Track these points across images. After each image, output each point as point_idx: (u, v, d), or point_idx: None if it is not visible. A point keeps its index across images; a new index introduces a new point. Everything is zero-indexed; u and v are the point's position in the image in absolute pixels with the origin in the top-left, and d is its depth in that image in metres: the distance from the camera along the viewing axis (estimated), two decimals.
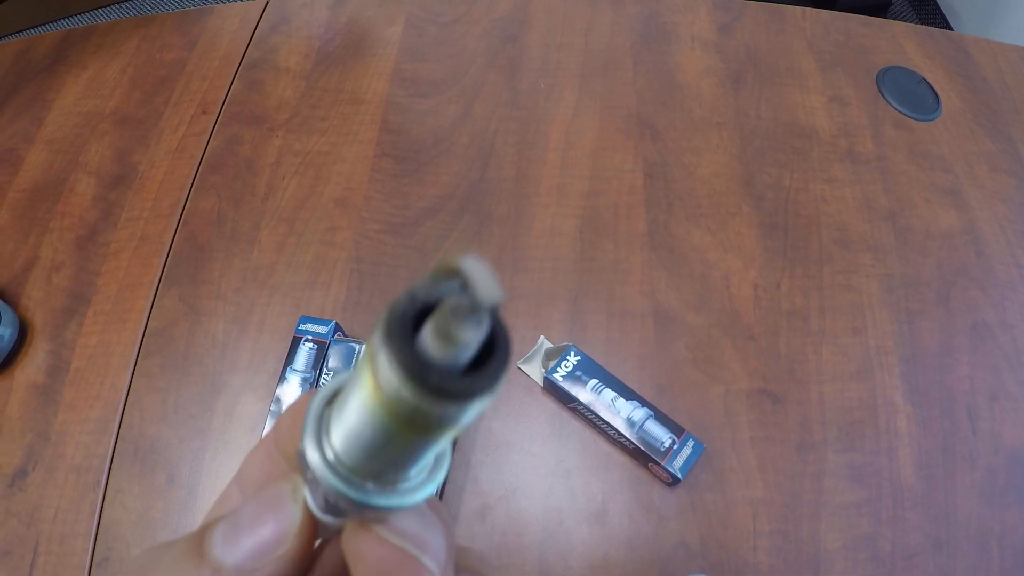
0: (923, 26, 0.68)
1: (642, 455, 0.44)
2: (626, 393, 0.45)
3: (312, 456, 0.11)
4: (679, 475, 0.43)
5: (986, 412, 0.51)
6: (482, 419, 0.46)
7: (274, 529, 0.13)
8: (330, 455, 0.11)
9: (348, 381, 0.11)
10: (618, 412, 0.44)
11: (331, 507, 0.12)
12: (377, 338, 0.09)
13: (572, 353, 0.46)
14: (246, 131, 0.57)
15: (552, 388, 0.46)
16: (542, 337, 0.48)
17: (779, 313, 0.51)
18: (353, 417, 0.10)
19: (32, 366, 0.51)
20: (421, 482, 0.12)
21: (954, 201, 0.58)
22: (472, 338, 0.08)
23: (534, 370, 0.47)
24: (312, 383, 0.45)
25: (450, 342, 0.08)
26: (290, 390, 0.45)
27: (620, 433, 0.44)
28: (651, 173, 0.55)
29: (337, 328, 0.47)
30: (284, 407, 0.45)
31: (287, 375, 0.46)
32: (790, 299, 0.51)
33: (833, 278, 0.53)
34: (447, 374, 0.08)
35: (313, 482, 0.12)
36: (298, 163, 0.55)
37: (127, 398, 0.49)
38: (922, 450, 0.49)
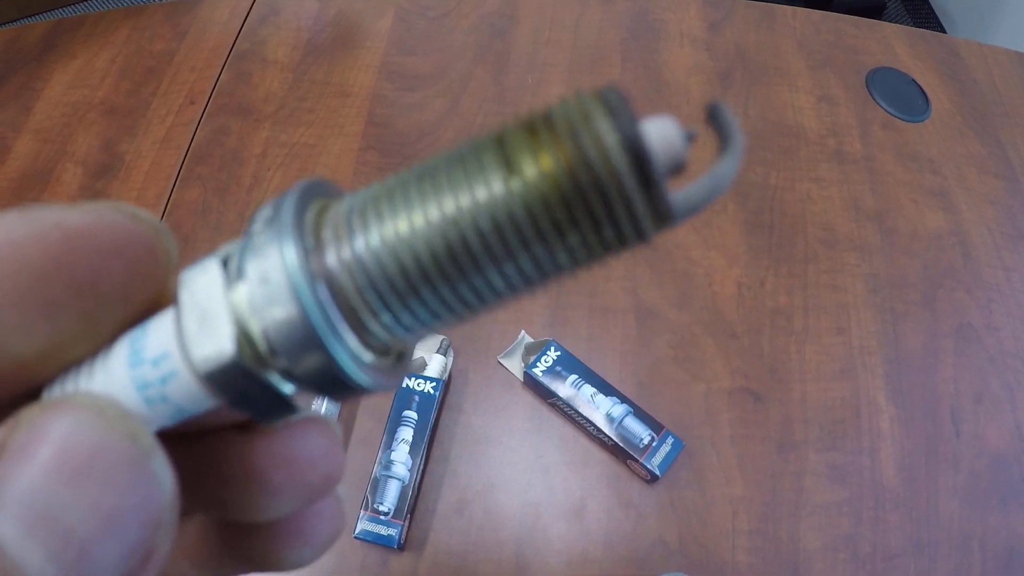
0: (914, 28, 0.68)
1: (621, 451, 0.44)
2: (606, 389, 0.44)
3: (289, 260, 0.07)
4: (658, 472, 0.43)
5: (970, 415, 0.50)
6: (460, 413, 0.46)
7: (140, 512, 0.07)
8: (331, 262, 0.07)
9: (412, 176, 0.08)
10: (597, 408, 0.44)
11: (222, 374, 0.08)
12: (587, 102, 0.07)
13: (552, 348, 0.45)
14: (233, 122, 0.56)
15: (532, 383, 0.45)
16: (523, 332, 0.47)
17: (763, 312, 0.50)
18: (444, 210, 0.07)
19: None
20: (385, 367, 0.08)
21: (942, 203, 0.57)
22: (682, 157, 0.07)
23: (514, 365, 0.47)
24: None
25: (679, 155, 0.07)
26: None
27: (599, 429, 0.44)
28: None
29: None
30: None
31: None
32: (774, 298, 0.51)
33: (818, 277, 0.52)
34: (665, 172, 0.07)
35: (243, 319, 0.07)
36: (284, 155, 0.55)
37: None
38: (904, 451, 0.48)
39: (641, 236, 0.07)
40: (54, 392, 0.08)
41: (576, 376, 0.44)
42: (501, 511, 0.44)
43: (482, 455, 0.45)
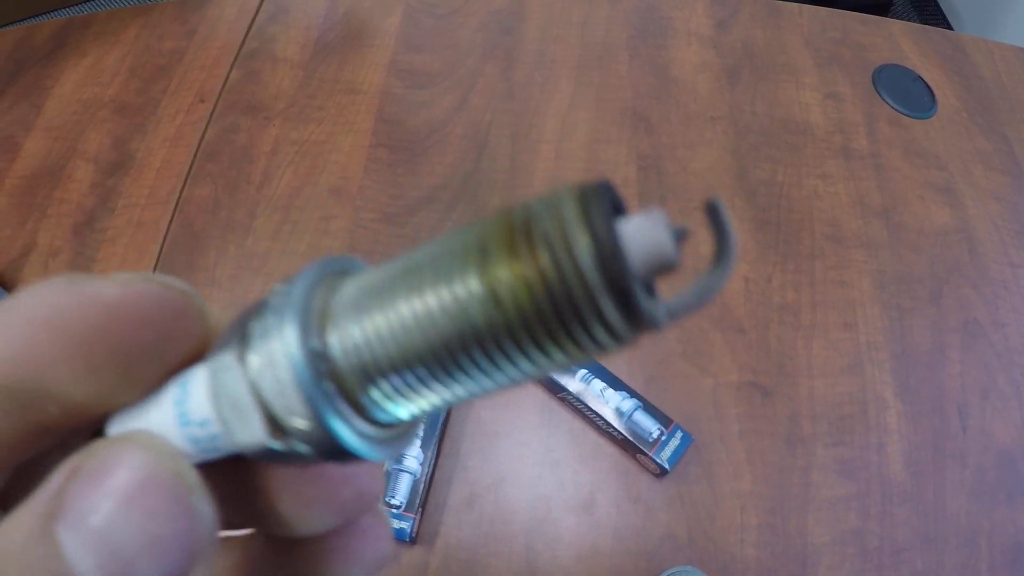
0: (920, 25, 0.68)
1: (630, 446, 0.44)
2: (615, 383, 0.45)
3: (292, 349, 0.08)
4: (667, 466, 0.43)
5: (977, 410, 0.50)
6: (471, 407, 0.46)
7: (180, 540, 0.08)
8: (335, 346, 0.08)
9: (407, 266, 0.08)
10: (607, 402, 0.44)
11: (254, 453, 0.09)
12: (563, 201, 0.06)
13: None
14: (243, 120, 0.57)
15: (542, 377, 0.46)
16: None
17: (770, 307, 0.50)
18: (428, 307, 0.07)
19: None
20: (385, 439, 0.09)
21: (948, 199, 0.57)
22: (675, 262, 0.06)
23: None
24: None
25: (664, 257, 0.06)
26: None
27: (609, 423, 0.44)
28: (644, 166, 0.55)
29: None
30: None
31: None
32: (781, 293, 0.51)
33: (825, 273, 0.52)
34: (642, 281, 0.06)
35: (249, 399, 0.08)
36: (294, 152, 0.55)
37: None
38: (912, 446, 0.49)
39: (618, 340, 0.07)
40: (115, 428, 0.10)
41: (586, 370, 0.45)
42: (511, 505, 0.44)
43: (492, 449, 0.45)
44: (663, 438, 0.43)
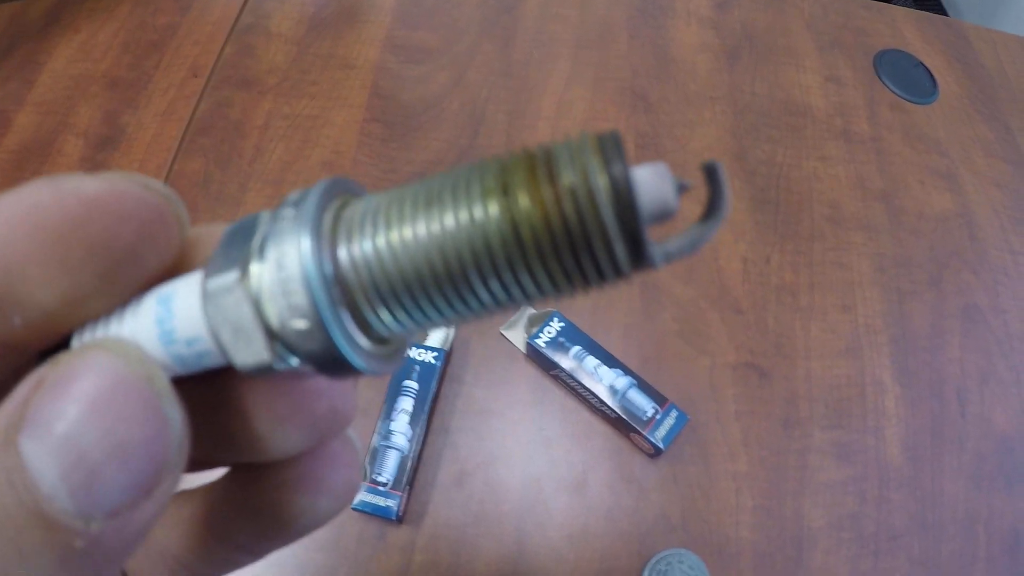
0: (923, 11, 0.67)
1: (624, 424, 0.43)
2: (609, 361, 0.44)
3: (305, 253, 0.08)
4: (661, 446, 0.42)
5: (976, 396, 0.49)
6: (462, 384, 0.45)
7: (149, 446, 0.08)
8: (343, 259, 0.08)
9: (422, 188, 0.08)
10: (600, 380, 0.43)
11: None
12: (584, 145, 0.07)
13: (556, 320, 0.45)
14: (236, 94, 0.56)
15: (534, 354, 0.45)
16: None
17: (768, 288, 0.49)
18: (443, 227, 0.08)
19: None
20: (381, 356, 0.09)
21: (949, 184, 0.56)
22: (674, 206, 0.07)
23: (517, 336, 0.46)
24: None
25: (667, 204, 0.07)
26: None
27: (602, 401, 0.43)
28: (643, 144, 0.54)
29: None
30: None
31: None
32: (779, 274, 0.50)
33: (824, 255, 0.51)
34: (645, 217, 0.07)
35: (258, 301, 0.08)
36: (287, 126, 0.54)
37: None
38: (910, 431, 0.48)
39: (619, 274, 0.08)
40: (84, 338, 0.09)
41: (580, 348, 0.44)
42: (502, 484, 0.43)
43: (483, 427, 0.44)
44: (658, 417, 0.43)
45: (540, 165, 0.07)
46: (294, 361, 0.08)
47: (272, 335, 0.08)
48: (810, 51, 0.61)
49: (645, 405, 0.43)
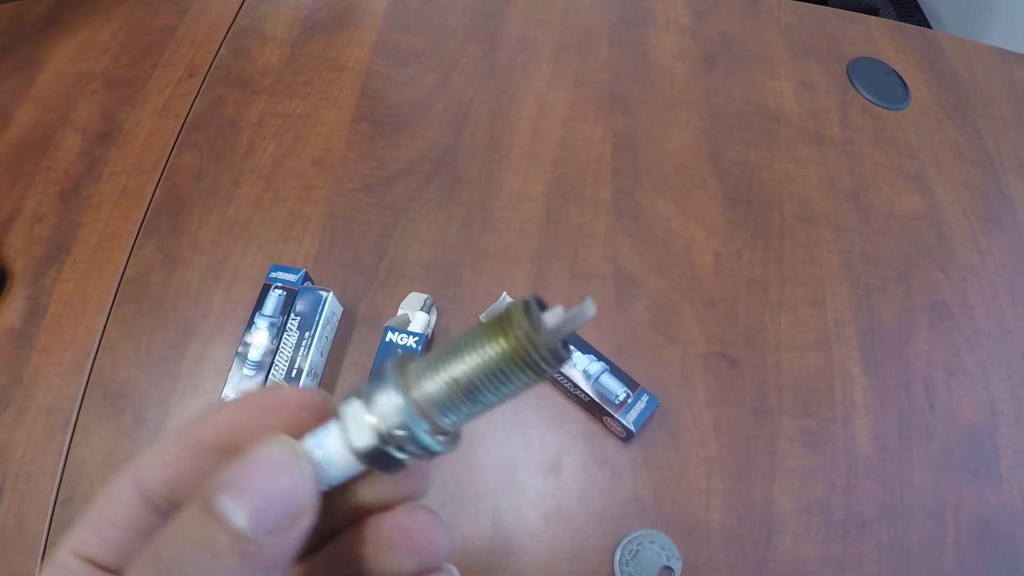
0: (896, 22, 0.73)
1: (597, 408, 0.47)
2: (583, 347, 0.48)
3: (395, 397, 0.15)
4: (633, 428, 0.46)
5: (943, 388, 0.53)
6: None
7: (293, 489, 0.13)
8: (416, 396, 0.15)
9: (447, 350, 0.15)
10: (575, 365, 0.47)
11: (367, 452, 0.15)
12: (525, 312, 0.14)
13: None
14: (230, 93, 0.61)
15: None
16: (504, 293, 0.51)
17: (739, 281, 0.54)
18: (463, 367, 0.14)
19: (11, 311, 0.54)
20: (448, 441, 0.16)
21: (918, 186, 0.61)
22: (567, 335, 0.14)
23: None
24: (280, 328, 0.48)
25: (561, 333, 0.14)
26: (258, 335, 0.48)
27: (576, 385, 0.47)
28: (620, 145, 0.59)
29: (306, 277, 0.50)
30: (251, 351, 0.48)
31: (255, 320, 0.49)
32: (750, 269, 0.54)
33: (794, 251, 0.56)
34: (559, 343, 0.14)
35: (363, 427, 0.15)
36: (279, 124, 0.59)
37: (100, 342, 0.52)
38: (878, 421, 0.52)
39: (556, 363, 0.14)
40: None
41: None
42: (479, 465, 0.47)
43: None
44: (629, 400, 0.47)
45: (503, 326, 0.14)
46: (401, 455, 0.15)
47: (386, 442, 0.15)
48: (784, 58, 0.66)
49: (617, 389, 0.47)
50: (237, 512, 0.13)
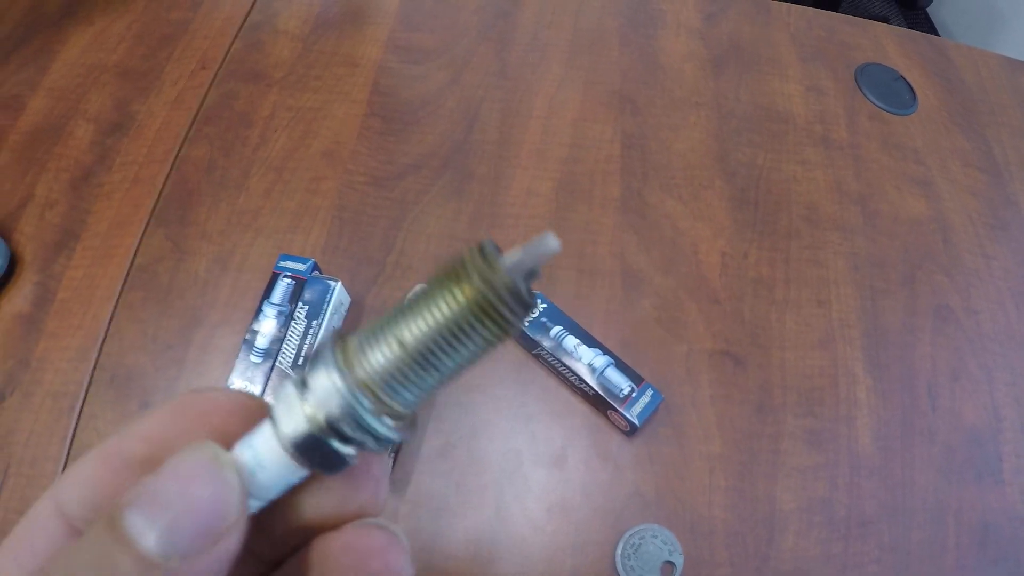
0: (905, 29, 0.74)
1: (602, 401, 0.48)
2: (589, 341, 0.49)
3: (332, 375, 0.13)
4: (636, 422, 0.47)
5: (947, 391, 0.54)
6: None
7: (213, 501, 0.11)
8: (357, 372, 0.13)
9: (393, 314, 0.13)
10: (580, 359, 0.48)
11: (304, 446, 0.13)
12: (479, 254, 0.12)
13: (539, 301, 0.50)
14: (243, 87, 0.62)
15: (518, 334, 0.50)
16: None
17: (745, 281, 0.55)
18: (412, 329, 0.12)
19: (19, 297, 0.55)
20: (401, 427, 0.14)
21: (924, 191, 0.62)
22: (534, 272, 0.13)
23: None
24: (287, 317, 0.49)
25: (521, 269, 0.12)
26: (266, 323, 0.49)
27: (581, 379, 0.48)
28: (629, 144, 0.60)
29: (315, 267, 0.52)
30: (258, 338, 0.49)
31: (263, 309, 0.50)
32: (756, 268, 0.55)
33: (800, 252, 0.57)
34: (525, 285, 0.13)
35: (302, 414, 0.13)
36: (290, 118, 0.60)
37: (108, 328, 0.53)
38: (881, 421, 0.52)
39: (523, 309, 0.13)
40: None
41: (560, 328, 0.49)
42: (484, 456, 0.48)
43: (468, 402, 0.49)
44: (634, 394, 0.47)
45: (458, 269, 0.12)
46: (343, 448, 0.13)
47: (323, 431, 0.13)
48: (793, 62, 0.68)
49: (622, 383, 0.48)
50: (145, 530, 0.11)
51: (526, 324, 0.12)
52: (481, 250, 0.12)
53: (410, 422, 0.14)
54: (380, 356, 0.13)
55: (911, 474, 0.51)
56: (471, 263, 0.12)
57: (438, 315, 0.12)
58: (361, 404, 0.12)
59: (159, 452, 0.13)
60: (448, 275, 0.12)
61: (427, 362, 0.12)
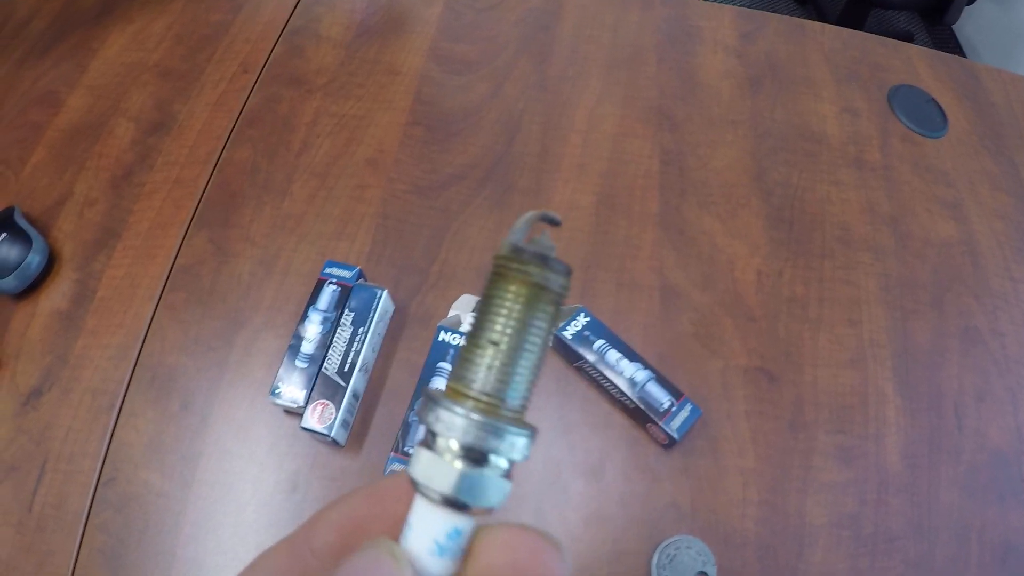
0: (937, 51, 0.78)
1: (641, 415, 0.51)
2: (630, 355, 0.52)
3: (452, 408, 0.14)
4: (676, 436, 0.50)
5: (972, 411, 0.58)
6: None
7: None
8: (470, 394, 0.14)
9: (467, 340, 0.15)
10: (621, 372, 0.51)
11: (462, 487, 0.13)
12: (522, 258, 0.15)
13: (582, 315, 0.53)
14: (285, 91, 0.65)
15: (560, 346, 0.53)
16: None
17: (780, 299, 0.58)
18: (494, 328, 0.14)
19: (57, 293, 0.58)
20: (525, 432, 0.15)
21: (954, 213, 0.66)
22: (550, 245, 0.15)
23: None
24: (333, 323, 0.52)
25: (544, 247, 0.15)
26: (311, 329, 0.52)
27: (622, 392, 0.51)
28: (667, 160, 0.63)
29: (361, 274, 0.55)
30: (304, 344, 0.52)
31: (309, 314, 0.53)
32: (791, 287, 0.59)
33: (833, 272, 0.60)
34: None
35: (442, 453, 0.14)
36: (333, 124, 0.63)
37: (149, 328, 0.56)
38: (909, 440, 0.56)
39: (564, 277, 0.15)
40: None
41: (603, 342, 0.52)
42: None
43: None
44: (673, 409, 0.51)
45: (503, 272, 0.15)
46: (496, 460, 0.14)
47: (467, 457, 0.14)
48: (828, 83, 0.71)
49: (662, 397, 0.51)
50: None
51: (558, 277, 0.15)
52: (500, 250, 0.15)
53: (530, 425, 0.15)
54: (475, 367, 0.14)
55: (936, 492, 0.55)
56: (497, 262, 0.15)
57: (499, 306, 0.14)
58: (487, 413, 0.14)
59: (346, 542, 0.15)
60: (491, 281, 0.15)
61: (517, 348, 0.14)
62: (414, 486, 0.14)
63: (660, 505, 0.51)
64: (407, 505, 0.15)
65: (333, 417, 0.49)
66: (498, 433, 0.14)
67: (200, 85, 0.67)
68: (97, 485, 0.51)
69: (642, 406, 0.50)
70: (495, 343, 0.14)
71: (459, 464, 0.14)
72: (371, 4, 0.71)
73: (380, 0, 0.72)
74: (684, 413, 0.51)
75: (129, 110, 0.66)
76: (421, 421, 0.15)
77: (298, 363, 0.51)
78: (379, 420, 0.52)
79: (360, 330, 0.52)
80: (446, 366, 0.51)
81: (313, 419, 0.49)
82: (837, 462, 0.54)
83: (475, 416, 0.14)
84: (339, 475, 0.50)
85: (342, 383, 0.50)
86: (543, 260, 0.14)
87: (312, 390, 0.50)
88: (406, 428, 0.49)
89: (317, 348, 0.52)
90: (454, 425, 0.14)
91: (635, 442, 0.52)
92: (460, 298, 0.54)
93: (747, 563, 0.50)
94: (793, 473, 0.53)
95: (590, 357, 0.52)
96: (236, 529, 0.49)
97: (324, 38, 0.68)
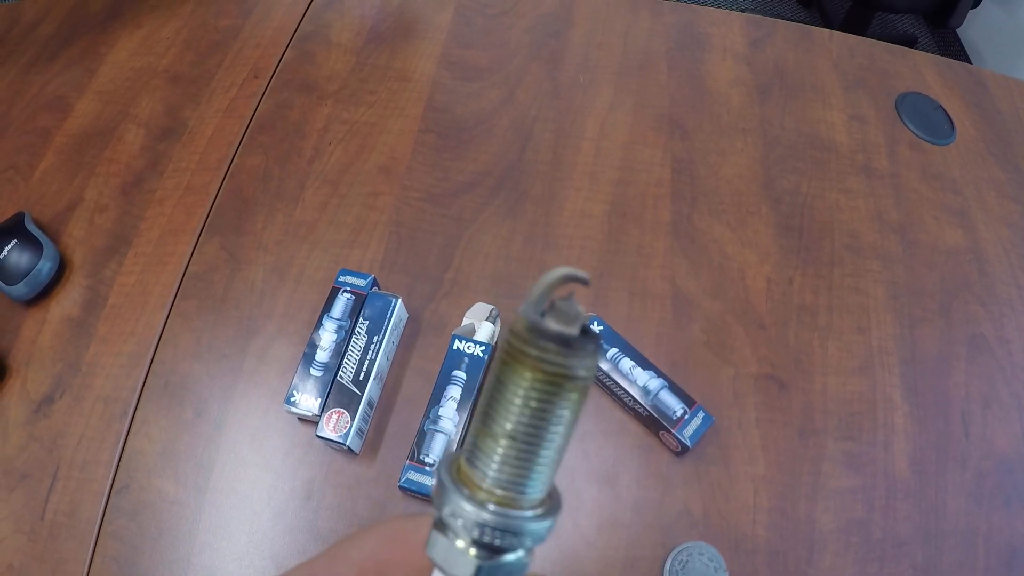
0: (944, 57, 0.79)
1: (654, 422, 0.52)
2: (643, 363, 0.53)
3: (464, 504, 0.13)
4: (688, 443, 0.51)
5: (979, 418, 0.59)
6: None
7: None
8: (488, 491, 0.13)
9: (479, 418, 0.14)
10: (635, 381, 0.52)
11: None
12: (541, 343, 0.13)
13: (595, 323, 0.54)
14: (296, 97, 0.66)
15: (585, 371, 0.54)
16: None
17: (789, 307, 0.59)
18: (511, 423, 0.13)
19: (68, 300, 0.59)
20: (547, 512, 0.14)
21: (961, 221, 0.67)
22: (578, 315, 0.13)
23: None
24: (348, 331, 0.53)
25: (570, 318, 0.13)
26: (326, 337, 0.53)
27: (635, 400, 0.52)
28: (678, 169, 0.64)
29: (374, 282, 0.55)
30: (318, 352, 0.53)
31: (324, 322, 0.54)
32: (801, 295, 0.60)
33: (842, 280, 0.61)
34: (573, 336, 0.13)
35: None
36: (345, 131, 0.64)
37: (161, 335, 0.57)
38: (916, 446, 0.57)
39: (587, 356, 0.13)
40: None
41: (616, 350, 0.53)
42: None
43: None
44: (686, 416, 0.52)
45: (519, 356, 0.13)
46: (513, 555, 0.14)
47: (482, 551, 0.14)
48: (836, 90, 0.72)
49: (675, 405, 0.52)
50: None
51: (585, 360, 0.14)
52: (515, 327, 0.13)
53: (553, 501, 0.15)
54: (490, 460, 0.13)
55: (944, 498, 0.56)
56: (508, 335, 0.13)
57: (514, 394, 0.13)
58: (503, 508, 0.13)
59: None
60: (503, 362, 0.13)
61: (534, 440, 0.13)
62: (433, 563, 0.14)
63: (673, 512, 0.52)
64: (419, 558, 0.15)
65: (348, 426, 0.50)
66: (516, 531, 0.13)
67: (210, 91, 0.67)
68: (110, 493, 0.52)
69: (655, 414, 0.51)
70: (511, 437, 0.13)
71: (475, 555, 0.14)
72: (381, 10, 0.72)
73: (390, 6, 0.72)
74: (697, 421, 0.52)
75: (139, 116, 0.67)
76: (435, 507, 0.14)
77: (313, 371, 0.52)
78: (394, 428, 0.53)
79: (375, 338, 0.53)
80: (461, 375, 0.52)
81: (328, 427, 0.50)
82: (846, 469, 0.55)
83: (490, 515, 0.13)
84: (354, 483, 0.51)
85: (357, 391, 0.51)
86: (566, 344, 0.13)
87: (327, 398, 0.51)
88: (421, 436, 0.50)
89: (332, 356, 0.53)
90: (469, 522, 0.13)
91: (648, 449, 0.53)
92: (474, 306, 0.55)
93: (758, 569, 0.51)
94: (803, 480, 0.54)
95: (603, 366, 0.53)
96: (251, 537, 0.50)
97: (335, 44, 0.69)
